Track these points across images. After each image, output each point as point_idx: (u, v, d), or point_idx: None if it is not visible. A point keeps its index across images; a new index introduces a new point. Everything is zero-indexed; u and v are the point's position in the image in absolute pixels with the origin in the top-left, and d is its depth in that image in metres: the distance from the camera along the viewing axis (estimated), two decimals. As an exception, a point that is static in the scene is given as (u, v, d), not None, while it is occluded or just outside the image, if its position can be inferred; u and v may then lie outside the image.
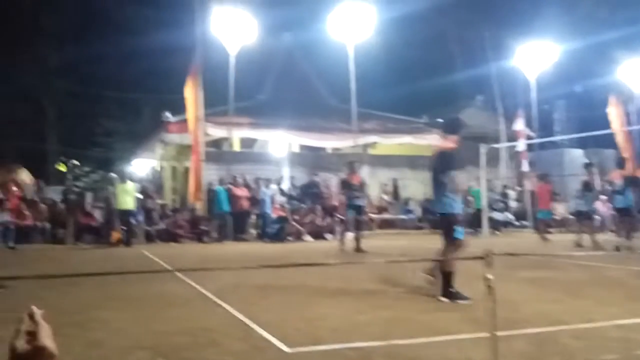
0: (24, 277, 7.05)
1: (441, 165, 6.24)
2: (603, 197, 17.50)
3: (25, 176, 16.30)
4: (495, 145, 21.72)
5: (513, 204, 21.99)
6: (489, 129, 24.58)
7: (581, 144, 25.35)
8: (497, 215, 19.99)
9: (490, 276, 3.55)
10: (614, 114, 19.67)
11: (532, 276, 7.67)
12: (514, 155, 23.36)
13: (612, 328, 4.78)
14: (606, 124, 19.69)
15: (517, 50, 23.20)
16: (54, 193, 19.48)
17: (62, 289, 6.71)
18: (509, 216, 21.09)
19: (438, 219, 6.42)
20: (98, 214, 16.86)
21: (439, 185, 6.22)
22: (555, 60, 23.08)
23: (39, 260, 11.31)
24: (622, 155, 17.30)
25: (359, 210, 12.81)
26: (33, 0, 30.06)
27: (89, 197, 19.09)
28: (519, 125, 22.11)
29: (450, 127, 6.59)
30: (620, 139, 19.42)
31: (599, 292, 6.53)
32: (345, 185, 12.90)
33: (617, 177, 12.91)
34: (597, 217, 16.35)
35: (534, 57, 22.66)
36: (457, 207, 6.27)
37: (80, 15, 31.10)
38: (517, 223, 21.04)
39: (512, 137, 22.84)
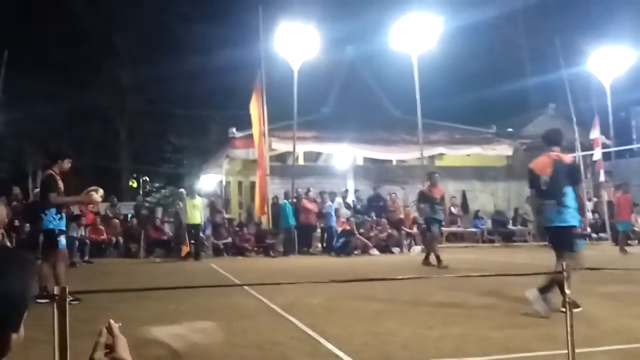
0: (99, 291, 7.24)
1: (569, 178, 6.23)
2: None
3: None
4: (570, 155, 20.91)
5: (590, 215, 21.12)
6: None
7: None
8: None
9: (568, 291, 3.40)
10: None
11: (611, 291, 7.31)
12: (590, 165, 22.49)
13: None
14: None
15: (591, 55, 22.33)
16: (127, 208, 20.12)
17: (135, 302, 6.87)
18: (586, 228, 20.25)
19: (554, 231, 6.28)
20: (168, 229, 17.27)
21: (566, 198, 6.17)
22: (631, 64, 22.10)
23: (113, 274, 11.60)
24: None
25: (439, 224, 12.30)
26: (106, 22, 31.20)
27: (159, 212, 19.62)
28: (595, 133, 21.22)
29: (554, 139, 6.58)
30: None
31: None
32: (425, 198, 12.33)
33: None
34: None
35: (609, 62, 21.73)
36: (577, 219, 6.29)
37: (150, 36, 32.16)
38: (594, 235, 20.19)
39: (588, 145, 21.92)
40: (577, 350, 3.18)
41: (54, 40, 29.44)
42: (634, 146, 24.73)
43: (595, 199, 21.86)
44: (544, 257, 13.90)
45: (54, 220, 7.38)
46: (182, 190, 17.74)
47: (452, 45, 25.62)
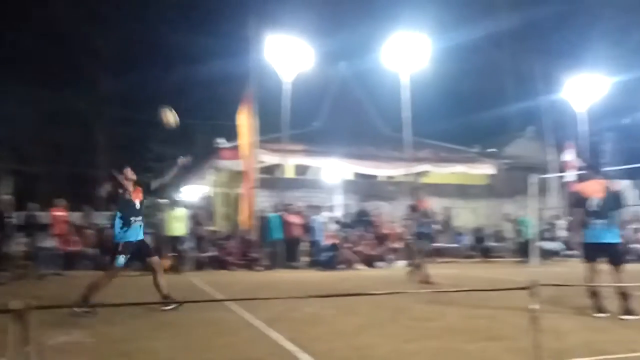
0: (65, 306, 7.15)
1: (618, 203, 7.37)
2: None
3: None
4: (545, 176, 21.57)
5: (562, 233, 21.57)
6: (539, 160, 24.32)
7: (629, 174, 24.84)
8: (546, 245, 19.92)
9: (535, 306, 3.66)
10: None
11: (579, 305, 7.53)
12: (564, 186, 22.94)
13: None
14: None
15: (567, 82, 22.91)
16: (102, 218, 19.63)
17: (108, 318, 6.77)
18: (558, 245, 20.74)
19: (609, 247, 7.18)
20: (147, 241, 16.71)
21: (614, 219, 7.24)
22: (604, 92, 22.71)
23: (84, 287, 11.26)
24: None
25: (427, 238, 12.33)
26: (87, 23, 30.50)
27: None
28: (569, 156, 21.87)
29: (599, 168, 7.89)
30: (666, 171, 19.27)
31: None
32: (416, 211, 12.31)
33: None
34: None
35: (584, 89, 22.36)
36: (619, 237, 7.40)
37: (134, 41, 31.48)
38: (566, 252, 20.63)
39: (562, 167, 22.56)
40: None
41: (30, 39, 28.56)
42: (605, 169, 25.21)
43: (568, 218, 22.27)
44: (519, 272, 14.41)
45: (120, 232, 7.48)
46: (162, 200, 17.36)
47: (440, 66, 25.96)
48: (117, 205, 7.56)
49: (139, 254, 7.77)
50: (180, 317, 6.99)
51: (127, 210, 7.54)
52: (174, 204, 16.10)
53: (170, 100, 31.59)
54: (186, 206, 17.82)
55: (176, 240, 15.23)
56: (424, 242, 12.27)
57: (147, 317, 6.88)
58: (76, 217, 17.40)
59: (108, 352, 5.09)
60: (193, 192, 26.99)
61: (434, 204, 21.55)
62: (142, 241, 7.76)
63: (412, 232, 12.46)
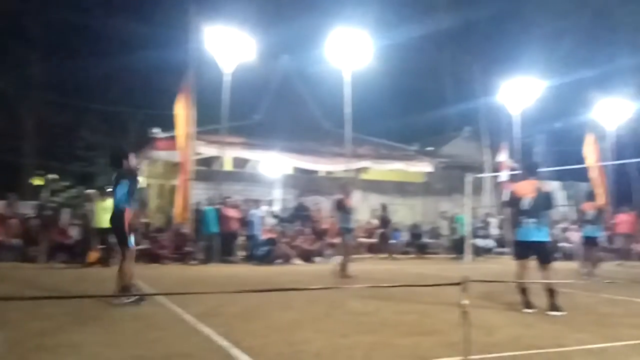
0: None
1: (548, 203, 7.61)
2: (574, 226, 19.05)
3: None
4: (480, 175, 22.15)
5: (495, 231, 22.25)
6: (474, 159, 24.96)
7: (558, 176, 25.97)
8: (480, 242, 20.59)
9: (465, 302, 3.80)
10: (589, 150, 20.49)
11: (508, 301, 7.77)
12: (497, 185, 23.65)
13: (581, 352, 5.04)
14: (581, 159, 20.44)
15: (503, 85, 23.61)
16: (28, 208, 18.63)
17: (31, 311, 6.43)
18: (491, 243, 21.36)
19: (539, 246, 7.41)
20: (75, 232, 15.82)
21: (544, 219, 7.48)
22: (538, 96, 23.54)
23: (7, 279, 10.53)
24: (594, 188, 18.63)
25: (350, 232, 12.53)
26: (20, 5, 28.81)
27: (65, 214, 18.23)
28: (503, 156, 22.59)
29: (534, 170, 8.10)
30: (594, 173, 20.18)
31: (571, 318, 6.76)
32: (341, 207, 12.45)
33: (588, 208, 13.25)
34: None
35: (518, 93, 23.07)
36: (548, 236, 7.67)
37: (69, 26, 29.58)
38: (498, 249, 21.28)
39: (496, 167, 23.22)
40: (472, 357, 3.77)
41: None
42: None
43: (500, 217, 22.97)
44: (453, 269, 14.83)
45: (126, 198, 7.84)
46: (91, 190, 16.57)
47: (381, 64, 26.16)
48: (128, 178, 7.85)
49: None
50: (108, 311, 6.76)
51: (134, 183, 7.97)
52: (104, 194, 15.22)
53: (104, 87, 30.04)
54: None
55: (105, 232, 14.42)
56: (350, 237, 12.53)
57: (73, 311, 6.57)
58: None
59: (28, 347, 4.81)
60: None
61: (373, 201, 21.94)
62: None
63: (340, 227, 12.58)
